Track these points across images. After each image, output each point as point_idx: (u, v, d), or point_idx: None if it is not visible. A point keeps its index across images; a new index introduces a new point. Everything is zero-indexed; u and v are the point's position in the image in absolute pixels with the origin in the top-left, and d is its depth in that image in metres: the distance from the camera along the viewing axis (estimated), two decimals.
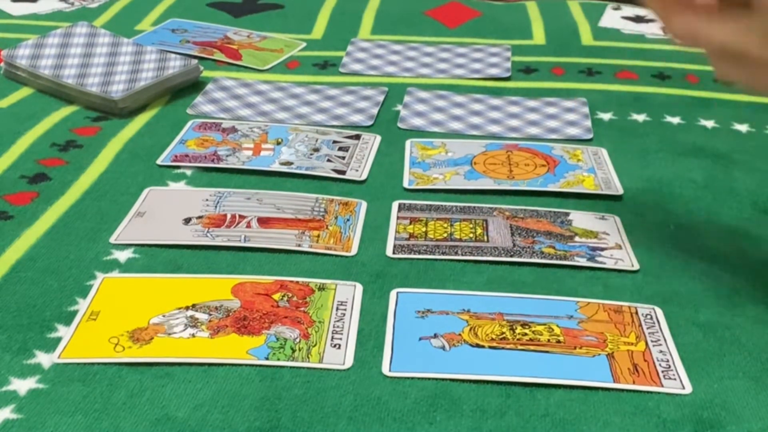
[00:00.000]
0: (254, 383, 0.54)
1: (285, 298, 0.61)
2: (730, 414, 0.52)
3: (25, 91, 0.93)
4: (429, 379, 0.54)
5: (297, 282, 0.63)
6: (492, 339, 0.57)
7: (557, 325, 0.59)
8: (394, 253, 0.67)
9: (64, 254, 0.66)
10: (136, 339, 0.57)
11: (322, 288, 0.62)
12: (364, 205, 0.74)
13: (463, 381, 0.54)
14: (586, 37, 1.12)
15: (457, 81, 0.99)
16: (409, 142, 0.84)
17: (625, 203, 0.75)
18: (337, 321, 0.59)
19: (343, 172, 0.78)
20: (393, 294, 0.62)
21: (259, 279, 0.63)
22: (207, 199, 0.73)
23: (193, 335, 0.57)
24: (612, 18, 1.20)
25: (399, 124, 0.88)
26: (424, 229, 0.70)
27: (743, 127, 0.89)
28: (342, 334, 0.58)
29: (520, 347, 0.57)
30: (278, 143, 0.83)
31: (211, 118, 0.88)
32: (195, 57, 1.01)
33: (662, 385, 0.54)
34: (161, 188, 0.75)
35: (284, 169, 0.78)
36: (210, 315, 0.59)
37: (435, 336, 0.58)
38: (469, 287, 0.63)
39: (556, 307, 0.61)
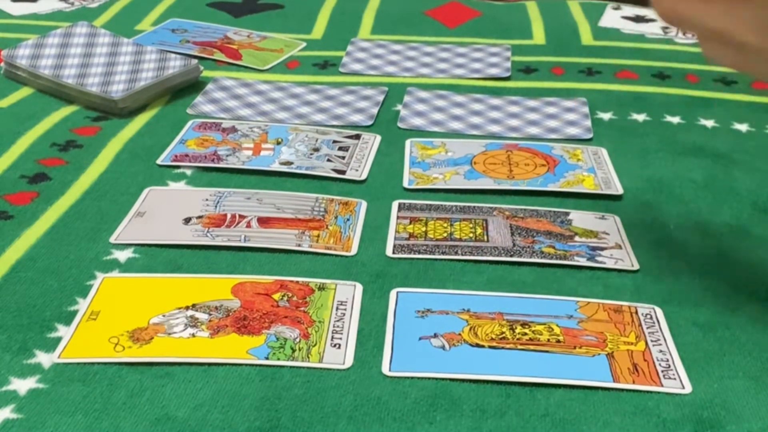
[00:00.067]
0: (254, 383, 0.54)
1: (285, 298, 0.61)
2: (730, 414, 0.52)
3: (25, 91, 0.93)
4: (429, 378, 0.54)
5: (297, 282, 0.63)
6: (492, 339, 0.58)
7: (557, 325, 0.59)
8: (394, 252, 0.67)
9: (64, 254, 0.66)
10: (136, 339, 0.57)
11: (322, 288, 0.62)
12: (364, 204, 0.74)
13: (463, 381, 0.54)
14: (586, 37, 1.12)
15: (457, 81, 0.99)
16: (409, 141, 0.85)
17: (625, 203, 0.75)
18: (337, 321, 0.59)
19: (343, 172, 0.78)
20: (393, 294, 0.62)
21: (259, 279, 0.63)
22: (207, 199, 0.73)
23: (193, 335, 0.57)
24: (612, 18, 1.20)
25: (399, 124, 0.88)
26: (424, 229, 0.70)
27: (743, 127, 0.89)
28: (342, 333, 0.58)
29: (520, 347, 0.57)
30: (278, 143, 0.83)
31: (211, 118, 0.88)
32: (195, 57, 1.01)
33: (662, 385, 0.54)
34: (161, 188, 0.75)
35: (284, 168, 0.78)
36: (210, 315, 0.59)
37: (435, 336, 0.58)
38: (469, 287, 0.63)
39: (556, 306, 0.61)
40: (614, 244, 0.69)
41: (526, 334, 0.58)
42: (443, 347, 0.57)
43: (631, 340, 0.58)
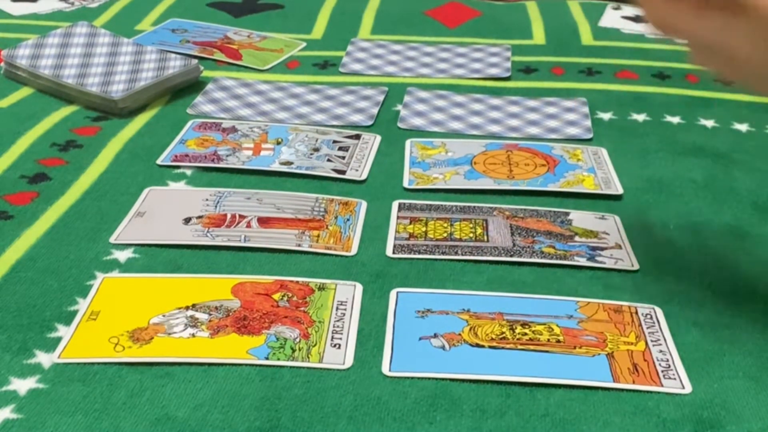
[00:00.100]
0: (254, 383, 0.54)
1: (285, 298, 0.61)
2: (730, 414, 0.52)
3: (25, 91, 0.93)
4: (429, 378, 0.54)
5: (297, 282, 0.63)
6: (492, 339, 0.57)
7: (557, 325, 0.59)
8: (394, 252, 0.67)
9: (64, 254, 0.66)
10: (136, 339, 0.57)
11: (322, 288, 0.62)
12: (364, 204, 0.74)
13: (463, 381, 0.54)
14: (586, 37, 1.12)
15: (457, 81, 0.99)
16: (409, 141, 0.84)
17: (625, 203, 0.75)
18: (337, 321, 0.59)
19: (343, 172, 0.78)
20: (393, 294, 0.62)
21: (259, 279, 0.63)
22: (207, 199, 0.73)
23: (193, 335, 0.57)
24: (612, 18, 1.20)
25: (399, 124, 0.88)
26: (424, 229, 0.70)
27: (743, 127, 0.89)
28: (342, 334, 0.58)
29: (520, 347, 0.57)
30: (278, 143, 0.83)
31: (211, 118, 0.88)
32: (195, 57, 1.01)
33: (662, 385, 0.54)
34: (161, 188, 0.75)
35: (284, 168, 0.78)
36: (210, 315, 0.59)
37: (435, 336, 0.58)
38: (469, 287, 0.63)
39: (556, 306, 0.61)
40: (614, 244, 0.69)
41: (526, 334, 0.58)
42: (443, 347, 0.57)
43: (631, 340, 0.58)
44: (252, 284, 0.62)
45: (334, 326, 0.58)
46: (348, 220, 0.71)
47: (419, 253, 0.67)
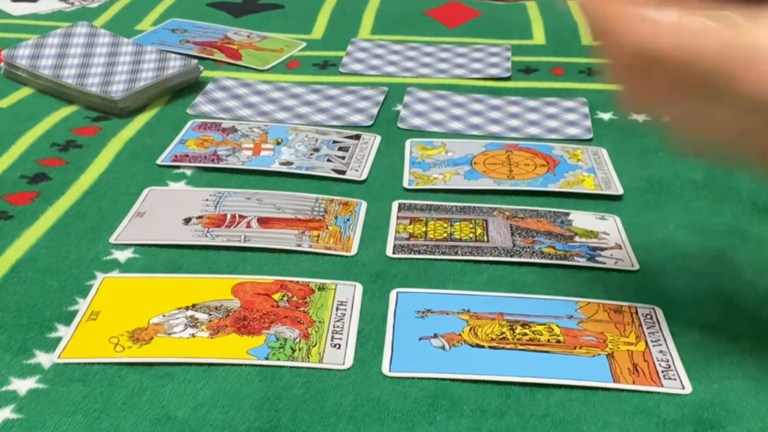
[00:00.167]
0: (254, 383, 0.54)
1: (285, 298, 0.61)
2: (730, 414, 0.52)
3: (25, 91, 0.93)
4: (429, 379, 0.54)
5: (297, 282, 0.63)
6: (492, 339, 0.57)
7: (557, 325, 0.59)
8: (394, 253, 0.67)
9: (64, 254, 0.66)
10: (136, 339, 0.57)
11: (322, 288, 0.62)
12: (364, 205, 0.74)
13: (463, 381, 0.54)
14: (586, 37, 1.12)
15: (457, 81, 0.99)
16: (409, 142, 0.84)
17: (625, 203, 0.75)
18: (337, 321, 0.59)
19: (343, 172, 0.78)
20: (393, 294, 0.62)
21: (259, 279, 0.63)
22: (207, 199, 0.73)
23: (193, 335, 0.57)
24: None
25: (399, 124, 0.88)
26: (424, 229, 0.70)
27: None
28: (342, 334, 0.58)
29: (520, 347, 0.57)
30: (278, 143, 0.83)
31: (211, 118, 0.88)
32: (195, 57, 1.01)
33: (662, 385, 0.54)
34: (161, 188, 0.75)
35: (284, 169, 0.78)
36: (210, 315, 0.59)
37: (435, 336, 0.58)
38: (469, 287, 0.63)
39: (556, 307, 0.61)
40: (614, 244, 0.69)
41: (526, 334, 0.58)
42: (443, 347, 0.57)
43: (631, 341, 0.58)
44: (252, 284, 0.62)
45: (334, 326, 0.58)
46: (348, 220, 0.71)
47: (419, 253, 0.67)
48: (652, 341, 0.58)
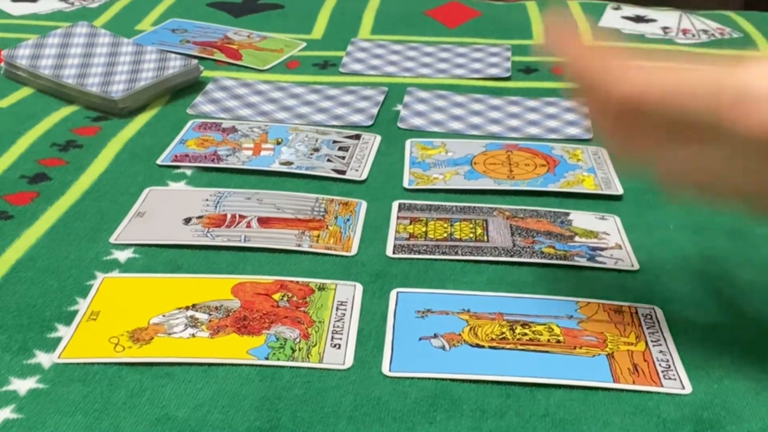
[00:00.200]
0: (254, 383, 0.54)
1: (285, 298, 0.61)
2: (730, 414, 0.52)
3: (25, 91, 0.93)
4: (429, 379, 0.54)
5: (297, 282, 0.63)
6: (492, 339, 0.57)
7: (557, 325, 0.59)
8: (394, 253, 0.67)
9: (64, 254, 0.66)
10: (136, 339, 0.57)
11: (322, 288, 0.62)
12: (364, 205, 0.74)
13: (463, 381, 0.54)
14: (586, 37, 1.12)
15: (457, 81, 0.99)
16: (409, 142, 0.85)
17: (625, 203, 0.75)
18: (337, 321, 0.59)
19: (343, 172, 0.78)
20: (393, 294, 0.62)
21: (259, 279, 0.63)
22: (207, 199, 0.73)
23: (193, 335, 0.57)
24: (612, 18, 1.20)
25: (399, 124, 0.88)
26: (424, 229, 0.70)
27: None
28: (342, 334, 0.58)
29: (520, 347, 0.57)
30: (278, 143, 0.83)
31: (211, 118, 0.88)
32: (195, 57, 1.01)
33: (662, 385, 0.54)
34: (161, 188, 0.75)
35: (284, 169, 0.78)
36: (210, 315, 0.59)
37: (435, 336, 0.58)
38: (469, 287, 0.63)
39: (556, 307, 0.61)
40: (614, 244, 0.69)
41: (526, 334, 0.58)
42: (443, 347, 0.57)
43: (631, 341, 0.58)
44: (252, 284, 0.62)
45: (334, 326, 0.58)
46: (348, 220, 0.71)
47: (419, 253, 0.67)
48: (652, 341, 0.58)
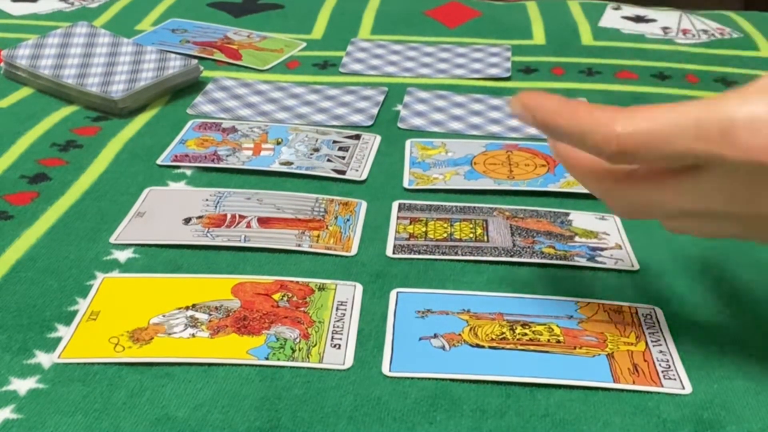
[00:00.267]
0: (254, 383, 0.54)
1: (285, 298, 0.61)
2: (730, 414, 0.52)
3: (25, 91, 0.93)
4: (429, 379, 0.54)
5: (297, 282, 0.63)
6: (492, 339, 0.58)
7: (557, 325, 0.59)
8: (394, 253, 0.67)
9: (64, 254, 0.66)
10: (136, 339, 0.57)
11: (322, 288, 0.62)
12: (364, 205, 0.74)
13: (463, 381, 0.54)
14: (586, 37, 1.12)
15: (457, 81, 0.99)
16: (409, 142, 0.85)
17: None
18: (337, 321, 0.59)
19: (343, 172, 0.78)
20: (393, 294, 0.62)
21: (259, 279, 0.63)
22: (207, 199, 0.73)
23: (193, 335, 0.57)
24: (612, 18, 1.20)
25: (399, 124, 0.88)
26: (424, 229, 0.70)
27: None
28: (342, 334, 0.58)
29: (520, 347, 0.57)
30: (278, 143, 0.83)
31: (211, 118, 0.88)
32: (195, 57, 1.01)
33: (662, 385, 0.54)
34: (161, 188, 0.75)
35: (284, 169, 0.78)
36: (210, 315, 0.59)
37: (435, 336, 0.58)
38: (469, 287, 0.63)
39: (556, 307, 0.61)
40: (614, 244, 0.69)
41: (526, 334, 0.58)
42: (443, 347, 0.57)
43: (631, 341, 0.58)
44: (252, 284, 0.63)
45: (334, 326, 0.59)
46: (348, 220, 0.71)
47: (419, 253, 0.67)
48: (652, 341, 0.58)
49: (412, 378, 0.54)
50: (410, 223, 0.71)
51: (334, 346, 0.57)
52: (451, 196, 0.76)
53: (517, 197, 0.75)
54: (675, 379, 0.55)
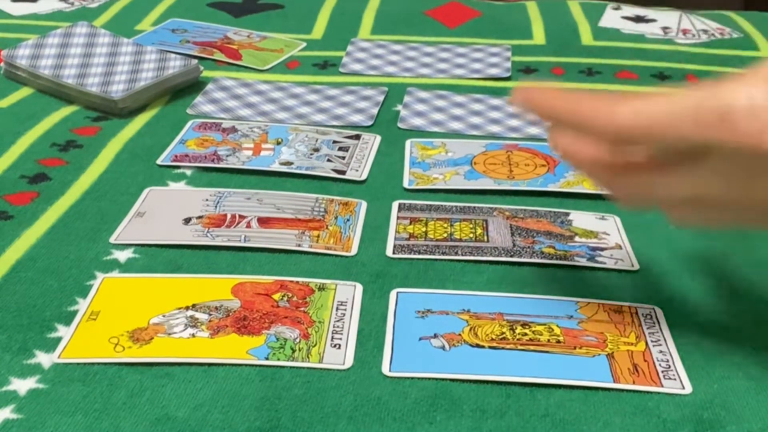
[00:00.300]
0: (254, 383, 0.54)
1: (285, 298, 0.61)
2: (730, 414, 0.52)
3: (25, 91, 0.93)
4: (429, 379, 0.54)
5: (297, 282, 0.63)
6: (492, 339, 0.58)
7: (557, 325, 0.59)
8: (394, 253, 0.67)
9: (64, 254, 0.66)
10: (136, 339, 0.57)
11: (322, 288, 0.62)
12: (364, 205, 0.74)
13: (463, 381, 0.54)
14: (586, 37, 1.12)
15: (457, 81, 0.99)
16: (409, 142, 0.85)
17: None
18: (337, 321, 0.59)
19: (343, 172, 0.78)
20: (393, 294, 0.62)
21: (259, 279, 0.63)
22: (207, 199, 0.73)
23: (193, 335, 0.57)
24: (612, 18, 1.20)
25: (399, 124, 0.88)
26: (424, 229, 0.70)
27: None
28: (342, 334, 0.58)
29: (520, 347, 0.57)
30: (278, 143, 0.83)
31: (211, 118, 0.88)
32: (195, 57, 1.01)
33: (662, 385, 0.54)
34: (161, 188, 0.75)
35: (284, 169, 0.78)
36: (210, 315, 0.59)
37: (435, 336, 0.58)
38: (469, 287, 0.63)
39: (556, 307, 0.61)
40: (614, 244, 0.69)
41: (526, 334, 0.58)
42: (443, 347, 0.57)
43: (631, 341, 0.58)
44: (252, 284, 0.63)
45: (334, 326, 0.59)
46: (348, 220, 0.71)
47: (419, 253, 0.67)
48: (652, 341, 0.58)
49: (412, 378, 0.54)
50: (410, 223, 0.71)
51: (334, 346, 0.57)
52: (451, 196, 0.76)
53: (517, 197, 0.75)
54: (675, 379, 0.55)
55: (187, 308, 0.60)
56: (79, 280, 0.63)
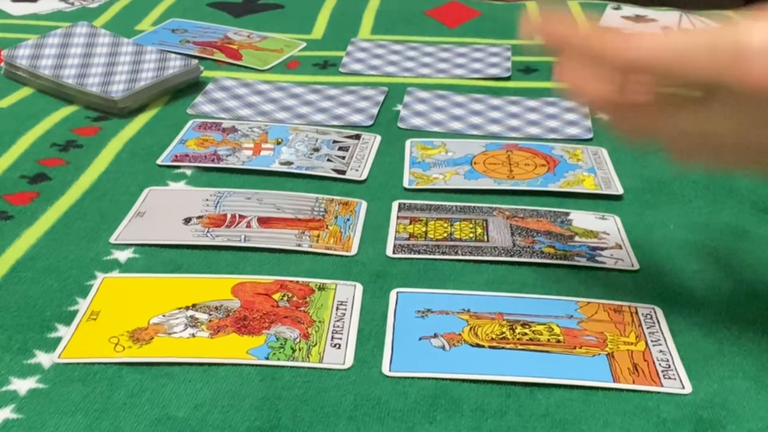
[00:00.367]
0: (254, 383, 0.54)
1: (285, 298, 0.61)
2: (730, 414, 0.52)
3: (25, 91, 0.93)
4: (429, 378, 0.54)
5: (297, 282, 0.63)
6: (492, 339, 0.58)
7: (557, 325, 0.59)
8: (394, 253, 0.67)
9: (64, 254, 0.66)
10: (136, 339, 0.57)
11: (322, 288, 0.62)
12: (364, 205, 0.74)
13: (463, 381, 0.54)
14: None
15: (457, 81, 0.99)
16: (409, 142, 0.85)
17: (625, 203, 0.75)
18: (337, 321, 0.59)
19: (343, 172, 0.78)
20: (393, 294, 0.62)
21: (259, 279, 0.63)
22: (207, 199, 0.73)
23: (193, 335, 0.57)
24: (612, 18, 1.20)
25: (399, 124, 0.88)
26: (424, 229, 0.70)
27: None
28: (342, 333, 0.58)
29: (520, 347, 0.57)
30: (278, 143, 0.83)
31: (211, 118, 0.88)
32: (195, 57, 1.01)
33: (662, 385, 0.54)
34: (161, 188, 0.75)
35: (284, 168, 0.78)
36: (210, 315, 0.59)
37: (435, 336, 0.58)
38: (469, 287, 0.63)
39: (556, 306, 0.61)
40: (614, 244, 0.69)
41: (526, 334, 0.58)
42: (443, 347, 0.57)
43: (631, 340, 0.58)
44: (252, 284, 0.63)
45: (334, 326, 0.58)
46: (348, 220, 0.71)
47: (419, 253, 0.67)
48: (652, 341, 0.58)
49: (412, 378, 0.54)
50: (410, 223, 0.71)
51: (334, 345, 0.57)
52: (451, 195, 0.76)
53: (517, 197, 0.75)
54: (675, 379, 0.55)
55: (187, 308, 0.60)
56: (79, 280, 0.63)
